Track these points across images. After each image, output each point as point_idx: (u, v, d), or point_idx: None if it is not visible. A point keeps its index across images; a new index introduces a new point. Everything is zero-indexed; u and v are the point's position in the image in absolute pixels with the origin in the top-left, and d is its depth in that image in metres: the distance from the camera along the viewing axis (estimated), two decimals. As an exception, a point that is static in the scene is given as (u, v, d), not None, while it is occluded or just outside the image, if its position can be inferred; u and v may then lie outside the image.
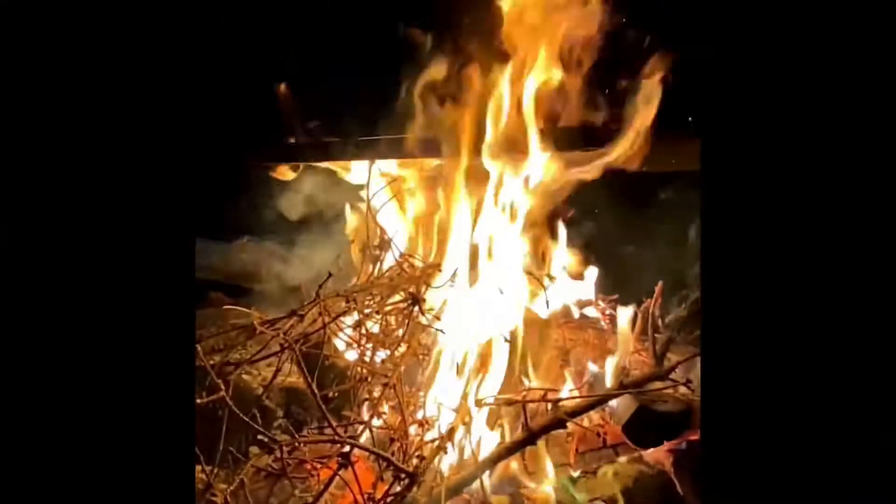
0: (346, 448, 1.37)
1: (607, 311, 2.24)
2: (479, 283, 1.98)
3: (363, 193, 1.97)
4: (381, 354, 1.65)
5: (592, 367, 1.91)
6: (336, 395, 1.62)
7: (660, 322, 1.88)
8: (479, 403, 1.72)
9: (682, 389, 1.67)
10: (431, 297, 1.78)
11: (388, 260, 1.86)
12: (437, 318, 1.73)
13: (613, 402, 1.77)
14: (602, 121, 2.09)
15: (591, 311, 2.23)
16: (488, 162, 2.03)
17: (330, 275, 1.55)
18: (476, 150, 2.01)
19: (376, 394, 1.55)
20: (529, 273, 2.00)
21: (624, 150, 1.91)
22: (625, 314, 1.87)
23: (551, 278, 2.06)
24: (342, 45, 2.13)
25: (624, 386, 1.66)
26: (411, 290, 1.67)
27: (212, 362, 1.43)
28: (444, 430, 1.61)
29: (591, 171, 2.01)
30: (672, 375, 1.71)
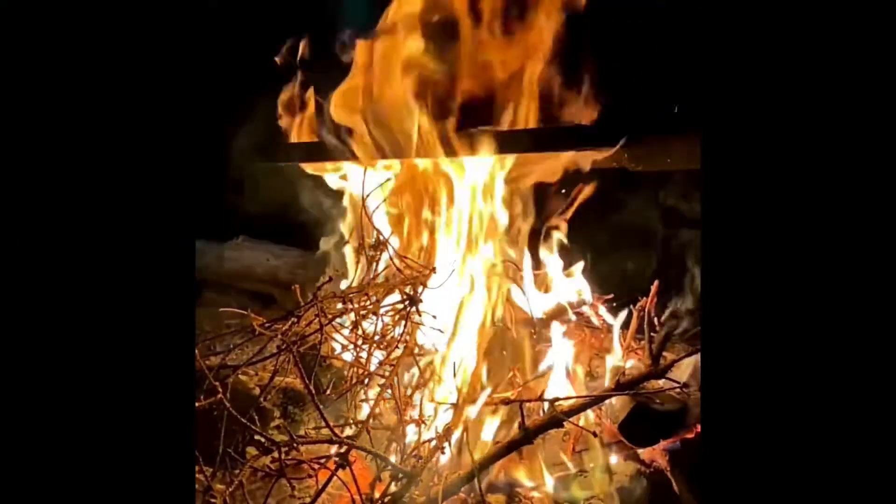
0: (344, 448, 1.37)
1: (600, 311, 2.24)
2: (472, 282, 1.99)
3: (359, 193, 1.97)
4: (379, 355, 1.65)
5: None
6: (334, 396, 1.62)
7: (656, 321, 1.88)
8: (475, 403, 1.72)
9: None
10: (427, 298, 1.78)
11: (384, 261, 1.86)
12: (434, 317, 1.73)
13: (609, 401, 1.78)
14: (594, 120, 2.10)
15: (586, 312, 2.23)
16: (483, 161, 2.03)
17: (330, 278, 1.55)
18: (471, 148, 2.01)
19: (373, 394, 1.56)
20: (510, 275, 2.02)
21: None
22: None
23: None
24: (340, 43, 2.13)
25: (620, 385, 1.67)
26: (408, 290, 1.67)
27: (208, 363, 1.43)
28: (440, 429, 1.61)
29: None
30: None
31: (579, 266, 2.20)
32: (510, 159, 2.05)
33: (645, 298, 1.93)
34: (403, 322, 1.66)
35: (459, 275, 1.99)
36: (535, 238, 2.18)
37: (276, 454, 1.32)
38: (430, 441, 1.56)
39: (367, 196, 1.86)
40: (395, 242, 1.97)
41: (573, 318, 2.13)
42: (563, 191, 2.18)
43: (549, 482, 1.71)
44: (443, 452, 1.56)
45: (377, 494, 1.43)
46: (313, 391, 1.39)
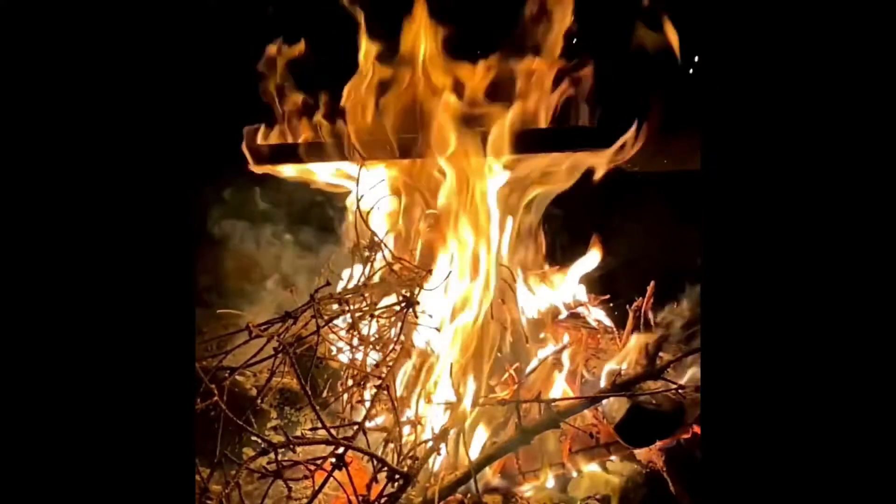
0: (341, 449, 1.38)
1: (596, 311, 2.24)
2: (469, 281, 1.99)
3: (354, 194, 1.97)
4: (375, 356, 1.65)
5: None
6: (330, 397, 1.62)
7: (652, 321, 1.88)
8: (473, 403, 1.72)
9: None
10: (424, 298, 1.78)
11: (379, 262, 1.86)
12: (431, 317, 1.73)
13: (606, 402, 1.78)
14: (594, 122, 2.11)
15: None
16: (481, 162, 2.03)
17: (328, 283, 1.55)
18: (469, 149, 2.01)
19: (370, 395, 1.56)
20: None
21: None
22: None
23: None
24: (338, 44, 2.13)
25: (616, 386, 1.67)
26: (405, 292, 1.68)
27: (205, 364, 1.43)
28: (437, 430, 1.61)
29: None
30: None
31: (576, 265, 2.21)
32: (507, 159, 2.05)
33: (641, 298, 1.93)
34: (400, 323, 1.66)
35: (457, 275, 1.99)
36: (534, 238, 2.18)
37: (272, 455, 1.32)
38: (426, 442, 1.56)
39: (362, 197, 1.86)
40: (390, 243, 1.97)
41: (570, 318, 2.13)
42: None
43: (547, 482, 1.71)
44: (439, 453, 1.56)
45: (373, 495, 1.43)
46: (310, 392, 1.39)
